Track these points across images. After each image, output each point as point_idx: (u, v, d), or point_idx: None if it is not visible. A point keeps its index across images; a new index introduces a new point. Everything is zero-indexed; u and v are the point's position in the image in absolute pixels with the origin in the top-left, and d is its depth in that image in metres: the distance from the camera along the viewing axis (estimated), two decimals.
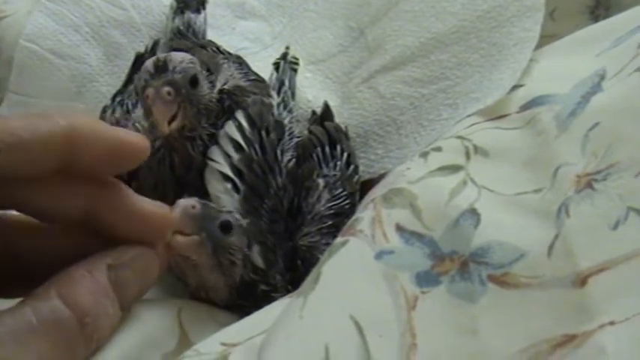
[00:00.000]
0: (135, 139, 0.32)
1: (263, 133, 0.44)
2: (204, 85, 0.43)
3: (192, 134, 0.43)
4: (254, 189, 0.43)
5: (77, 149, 0.30)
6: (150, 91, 0.40)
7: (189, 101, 0.42)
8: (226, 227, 0.39)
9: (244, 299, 0.41)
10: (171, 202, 0.44)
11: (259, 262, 0.41)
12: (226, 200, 0.42)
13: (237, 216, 0.41)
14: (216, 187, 0.43)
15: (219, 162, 0.43)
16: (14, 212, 0.32)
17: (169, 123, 0.40)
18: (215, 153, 0.44)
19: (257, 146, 0.44)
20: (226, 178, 0.43)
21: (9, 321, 0.28)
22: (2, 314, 0.29)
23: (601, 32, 0.46)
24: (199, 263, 0.39)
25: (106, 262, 0.31)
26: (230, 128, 0.44)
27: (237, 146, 0.43)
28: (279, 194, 0.43)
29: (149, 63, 0.41)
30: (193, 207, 0.38)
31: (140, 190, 0.37)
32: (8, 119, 0.29)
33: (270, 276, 0.41)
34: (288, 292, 0.41)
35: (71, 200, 0.32)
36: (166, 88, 0.40)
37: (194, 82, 0.42)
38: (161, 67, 0.41)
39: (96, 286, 0.31)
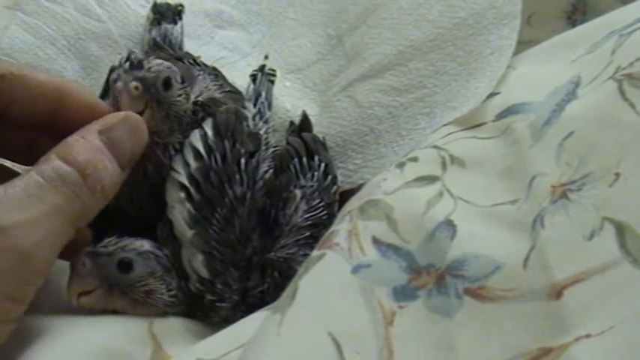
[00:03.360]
0: (109, 108, 0.39)
1: (227, 142, 0.44)
2: (176, 91, 0.43)
3: (162, 140, 0.43)
4: (207, 198, 0.42)
5: (65, 99, 0.37)
6: (119, 84, 0.40)
7: (158, 102, 0.41)
8: (125, 266, 0.40)
9: (195, 309, 0.42)
10: (147, 211, 0.44)
11: (203, 272, 0.41)
12: (179, 209, 0.42)
13: (141, 242, 0.41)
14: (172, 197, 0.43)
15: (179, 171, 0.43)
16: None
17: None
18: (176, 162, 0.44)
19: (218, 155, 0.43)
20: (182, 187, 0.43)
21: (18, 183, 0.33)
22: (12, 180, 0.33)
23: (576, 38, 0.46)
24: (118, 309, 0.41)
25: (95, 128, 0.36)
26: (194, 137, 0.44)
27: (197, 155, 0.43)
28: (235, 204, 0.43)
29: (126, 60, 0.41)
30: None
31: (116, 198, 0.38)
32: (18, 63, 0.37)
33: (216, 285, 0.42)
34: (236, 302, 0.42)
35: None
36: (134, 83, 0.40)
37: (166, 84, 0.42)
38: (136, 65, 0.41)
39: (90, 146, 0.35)
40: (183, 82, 0.44)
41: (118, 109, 0.40)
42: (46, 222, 0.32)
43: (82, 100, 0.38)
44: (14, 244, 0.31)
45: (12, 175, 0.37)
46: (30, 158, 0.37)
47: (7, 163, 0.40)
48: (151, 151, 0.42)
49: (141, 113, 0.40)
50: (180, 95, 0.43)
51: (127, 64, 0.41)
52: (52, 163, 0.34)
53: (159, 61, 0.43)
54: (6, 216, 0.31)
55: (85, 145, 0.35)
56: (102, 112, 0.38)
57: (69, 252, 0.37)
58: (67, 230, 0.34)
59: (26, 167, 0.38)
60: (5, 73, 0.35)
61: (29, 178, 0.33)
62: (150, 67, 0.41)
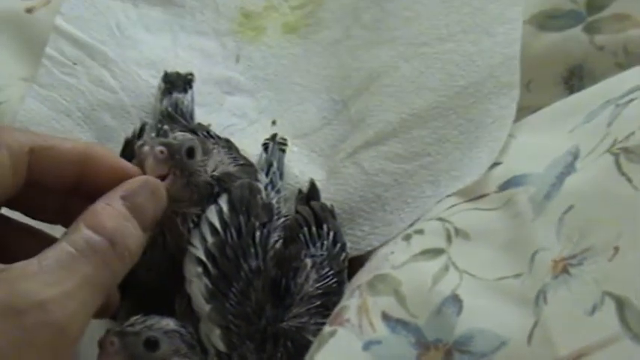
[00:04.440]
0: (134, 169, 0.40)
1: (242, 217, 0.45)
2: (197, 161, 0.45)
3: (181, 210, 0.44)
4: (224, 273, 0.44)
5: (91, 163, 0.39)
6: (145, 148, 0.42)
7: (181, 169, 0.43)
8: (151, 344, 0.41)
9: None
10: (163, 280, 0.45)
11: (221, 346, 0.42)
12: (196, 284, 0.44)
13: (167, 321, 0.42)
14: (190, 271, 0.44)
15: (196, 246, 0.45)
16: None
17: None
18: (194, 237, 0.45)
19: (233, 230, 0.45)
20: (199, 261, 0.44)
21: (51, 254, 0.33)
22: (45, 251, 0.34)
23: (574, 106, 0.48)
24: None
25: (119, 194, 0.37)
26: (210, 212, 0.46)
27: (214, 230, 0.45)
28: (250, 277, 0.44)
29: (139, 131, 0.45)
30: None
31: (133, 270, 0.39)
32: (42, 134, 0.39)
33: (233, 359, 0.42)
34: None
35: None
36: (160, 148, 0.42)
37: (190, 153, 0.44)
38: (162, 135, 0.43)
39: (116, 213, 0.36)
40: (204, 153, 0.46)
41: (141, 172, 0.41)
42: (79, 293, 0.33)
43: (106, 162, 0.40)
44: (51, 319, 0.32)
45: (46, 239, 0.40)
46: (64, 218, 0.40)
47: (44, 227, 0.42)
48: (170, 221, 0.44)
49: (163, 178, 0.42)
50: (200, 166, 0.45)
51: (154, 133, 0.42)
52: (82, 232, 0.35)
53: (182, 133, 0.45)
54: (42, 291, 0.32)
55: (111, 212, 0.36)
56: (126, 172, 0.40)
57: (99, 315, 0.38)
58: (97, 298, 0.35)
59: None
60: (34, 147, 0.37)
61: (61, 249, 0.34)
62: (175, 137, 0.43)
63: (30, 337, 0.31)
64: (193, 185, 0.44)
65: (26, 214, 0.40)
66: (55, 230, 0.41)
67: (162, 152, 0.42)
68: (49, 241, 0.39)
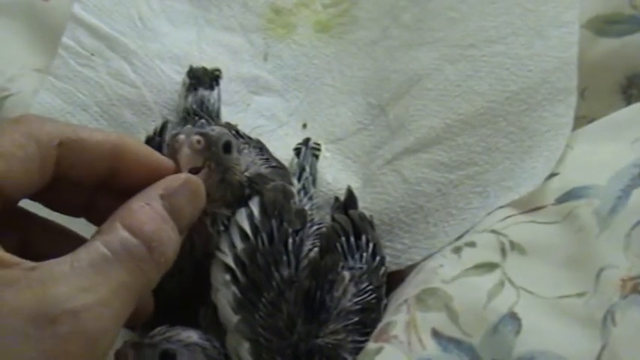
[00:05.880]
0: (167, 162, 0.39)
1: (274, 221, 0.45)
2: (234, 158, 0.44)
3: (211, 210, 0.44)
4: (254, 281, 0.43)
5: (123, 157, 0.37)
6: (181, 137, 0.41)
7: (217, 163, 0.42)
8: (168, 357, 0.40)
9: None
10: (188, 289, 0.45)
11: None
12: (223, 293, 0.43)
13: (189, 333, 0.42)
14: (217, 279, 0.44)
15: (225, 252, 0.44)
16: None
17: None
18: (223, 242, 0.45)
19: (264, 235, 0.44)
20: (228, 268, 0.43)
21: (84, 255, 0.32)
22: (77, 251, 0.33)
23: (634, 116, 0.47)
24: None
25: (158, 193, 0.36)
26: (240, 216, 0.45)
27: (244, 235, 0.44)
28: (282, 287, 0.43)
29: (161, 128, 0.44)
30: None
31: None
32: (72, 125, 0.38)
33: None
34: None
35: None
36: (197, 137, 0.41)
37: (227, 147, 0.43)
38: (198, 126, 0.42)
39: (155, 214, 0.35)
40: (239, 151, 0.45)
41: (176, 167, 0.40)
42: (113, 301, 0.33)
43: (139, 155, 0.39)
44: (85, 329, 0.31)
45: (72, 237, 0.39)
46: (89, 212, 0.39)
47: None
48: (199, 222, 0.43)
49: (197, 171, 0.41)
50: (236, 164, 0.44)
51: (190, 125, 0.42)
52: (119, 233, 0.34)
53: (218, 127, 0.44)
54: (75, 297, 0.31)
55: (150, 213, 0.35)
56: (160, 166, 0.39)
57: (130, 323, 0.38)
58: (130, 307, 0.34)
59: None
60: (63, 139, 0.36)
61: (95, 250, 0.33)
62: (213, 129, 0.43)
63: (63, 348, 0.31)
64: (227, 183, 0.44)
65: (48, 207, 0.39)
66: (74, 224, 0.41)
67: (199, 142, 0.41)
68: (75, 238, 0.39)
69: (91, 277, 0.32)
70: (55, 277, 0.31)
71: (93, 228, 0.36)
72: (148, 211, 0.35)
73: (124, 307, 0.33)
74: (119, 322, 0.33)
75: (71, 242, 0.35)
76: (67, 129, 0.37)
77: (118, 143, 0.38)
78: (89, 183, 0.38)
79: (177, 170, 0.39)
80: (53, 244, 0.37)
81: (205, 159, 0.41)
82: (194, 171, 0.40)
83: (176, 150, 0.40)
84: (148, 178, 0.38)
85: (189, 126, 0.42)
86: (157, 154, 0.40)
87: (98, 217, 0.37)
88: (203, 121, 0.44)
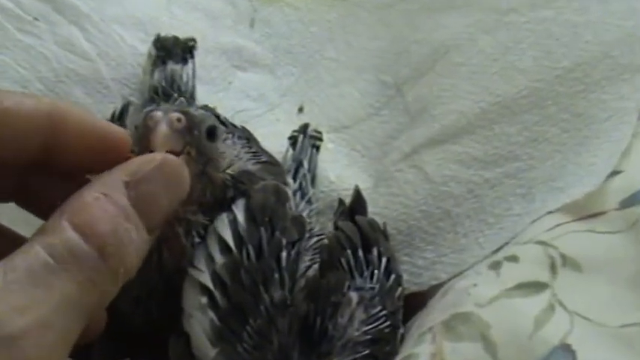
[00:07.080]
0: (121, 133, 0.37)
1: (264, 230, 0.45)
2: (217, 148, 0.43)
3: (185, 215, 0.43)
4: (236, 305, 0.43)
5: (61, 129, 0.36)
6: (157, 114, 0.40)
7: (198, 152, 0.41)
8: None
9: None
10: (157, 316, 0.45)
11: None
12: (198, 319, 0.43)
13: None
14: (191, 302, 0.43)
15: (200, 269, 0.44)
16: None
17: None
18: (198, 256, 0.44)
19: (251, 248, 0.44)
20: (204, 289, 0.43)
21: (22, 264, 0.31)
22: (12, 257, 0.31)
23: None
24: None
25: (122, 179, 0.34)
26: (221, 223, 0.45)
27: (225, 247, 0.44)
28: (273, 313, 0.43)
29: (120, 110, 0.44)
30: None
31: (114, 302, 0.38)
32: None
33: None
34: None
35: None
36: (178, 115, 0.40)
37: (211, 134, 0.42)
38: (179, 105, 0.41)
39: (114, 209, 0.34)
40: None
41: (143, 149, 0.39)
42: (57, 321, 0.32)
43: (83, 127, 0.37)
44: (24, 356, 0.31)
45: (1, 234, 0.38)
46: (18, 197, 0.38)
47: None
48: (170, 230, 0.43)
49: (177, 153, 0.40)
50: (220, 156, 0.43)
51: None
52: (65, 235, 0.33)
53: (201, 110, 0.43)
54: (9, 320, 0.30)
55: (107, 207, 0.34)
56: (112, 138, 0.37)
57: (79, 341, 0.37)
58: (79, 326, 0.33)
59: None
60: None
61: (35, 256, 0.32)
62: (196, 109, 0.42)
63: None
64: (208, 179, 0.43)
65: None
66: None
67: (179, 120, 0.40)
68: (9, 238, 0.38)
69: (29, 292, 0.31)
70: None
71: (26, 214, 0.36)
72: (104, 204, 0.34)
73: (71, 328, 0.33)
74: (65, 345, 0.33)
75: (4, 243, 0.34)
76: None
77: (53, 112, 0.36)
78: (18, 162, 0.37)
79: (124, 136, 0.37)
80: None
81: (185, 143, 0.40)
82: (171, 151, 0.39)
83: (150, 129, 0.39)
84: (96, 155, 0.37)
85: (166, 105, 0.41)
86: (106, 125, 0.38)
87: (32, 201, 0.37)
88: (182, 99, 0.43)
